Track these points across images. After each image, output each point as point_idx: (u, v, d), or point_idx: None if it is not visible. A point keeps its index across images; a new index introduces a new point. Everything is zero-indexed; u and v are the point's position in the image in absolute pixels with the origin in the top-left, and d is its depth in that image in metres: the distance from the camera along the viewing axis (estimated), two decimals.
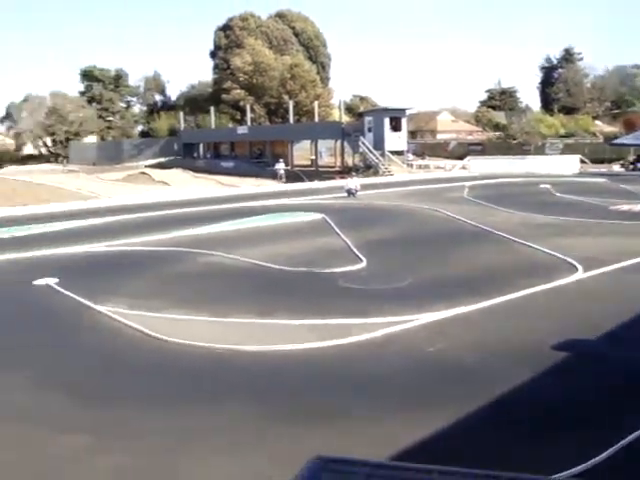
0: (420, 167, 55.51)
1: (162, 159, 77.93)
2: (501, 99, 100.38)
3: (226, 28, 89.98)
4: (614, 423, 6.55)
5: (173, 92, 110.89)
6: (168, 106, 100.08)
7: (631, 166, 46.45)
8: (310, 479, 1.49)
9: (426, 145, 71.97)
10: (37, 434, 6.71)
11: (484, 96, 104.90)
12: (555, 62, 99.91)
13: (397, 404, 7.19)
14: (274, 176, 52.15)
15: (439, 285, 12.69)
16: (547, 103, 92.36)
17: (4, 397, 7.71)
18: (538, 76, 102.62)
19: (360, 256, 15.40)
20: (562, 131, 65.10)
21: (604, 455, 5.74)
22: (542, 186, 32.77)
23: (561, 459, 5.72)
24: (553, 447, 6.08)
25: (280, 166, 52.31)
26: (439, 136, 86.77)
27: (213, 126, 75.79)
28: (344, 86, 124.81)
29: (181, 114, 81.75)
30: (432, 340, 9.34)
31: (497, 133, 72.11)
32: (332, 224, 20.61)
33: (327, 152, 65.02)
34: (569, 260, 14.21)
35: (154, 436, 6.59)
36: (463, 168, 48.61)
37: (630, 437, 6.08)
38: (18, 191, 46.50)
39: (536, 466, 5.62)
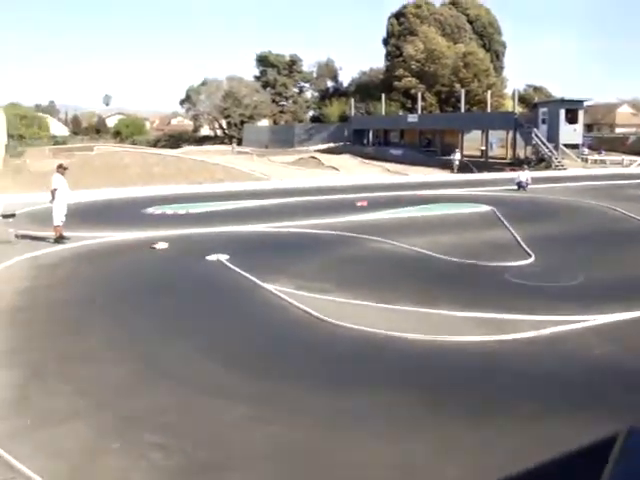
0: (595, 162, 53.33)
1: (332, 144, 79.04)
2: None
3: (399, 15, 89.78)
4: None
5: (345, 78, 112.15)
6: (340, 92, 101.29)
7: None
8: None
9: (603, 139, 68.94)
10: (200, 400, 7.14)
11: None
12: None
13: (556, 406, 7.03)
14: (450, 166, 51.56)
15: (613, 286, 12.21)
16: None
17: (178, 362, 8.22)
18: None
19: (529, 251, 15.07)
20: None
21: None
22: None
23: None
24: None
25: (456, 156, 51.66)
26: (617, 130, 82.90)
27: (383, 113, 76.03)
28: (518, 75, 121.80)
29: (352, 100, 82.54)
30: (600, 342, 9.05)
31: None
32: (501, 217, 20.27)
33: (498, 143, 63.74)
34: None
35: (312, 414, 6.82)
36: None
37: None
38: (194, 170, 48.69)
39: None
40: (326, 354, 8.74)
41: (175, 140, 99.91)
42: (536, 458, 5.76)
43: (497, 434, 6.35)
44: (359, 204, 22.76)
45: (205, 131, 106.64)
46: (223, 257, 14.13)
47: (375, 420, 6.66)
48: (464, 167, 51.90)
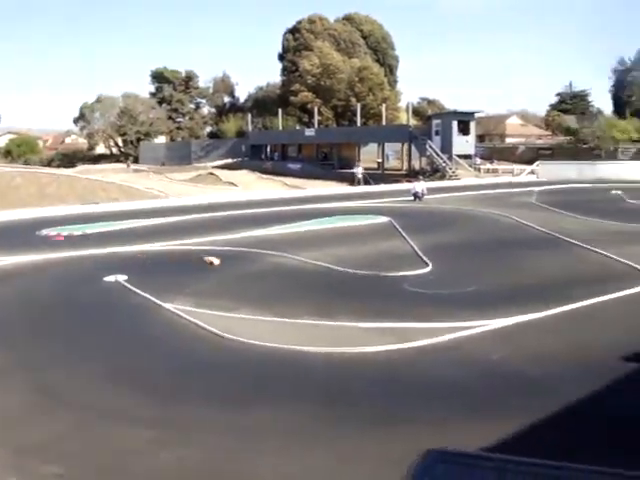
0: (488, 171, 54.81)
1: (230, 160, 78.77)
2: (572, 103, 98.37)
3: (294, 31, 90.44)
4: None
5: (242, 94, 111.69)
6: (236, 108, 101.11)
7: None
8: (426, 469, 1.50)
9: (494, 149, 71.02)
10: (102, 426, 6.90)
11: (554, 100, 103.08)
12: (629, 64, 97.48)
13: (457, 411, 7.13)
14: (349, 179, 51.84)
15: (506, 292, 12.52)
16: (620, 107, 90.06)
17: (75, 387, 7.93)
18: (611, 79, 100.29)
19: (426, 260, 15.31)
20: (635, 136, 63.47)
21: None
22: (614, 192, 32.04)
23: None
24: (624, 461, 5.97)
25: (359, 170, 51.95)
26: (508, 140, 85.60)
27: (280, 128, 76.27)
28: (412, 89, 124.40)
29: (249, 116, 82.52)
30: (497, 347, 9.24)
31: (567, 138, 70.71)
32: (398, 227, 20.54)
33: (394, 155, 64.80)
34: None
35: (216, 433, 6.71)
36: (532, 173, 47.83)
37: None
38: (90, 189, 47.54)
39: None
40: (228, 372, 8.60)
41: (70, 159, 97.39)
42: None
43: (400, 443, 6.36)
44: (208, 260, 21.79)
45: (101, 149, 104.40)
46: (121, 278, 13.78)
47: (279, 436, 6.61)
48: (363, 180, 52.51)
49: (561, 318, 10.59)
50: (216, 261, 15.36)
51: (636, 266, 14.15)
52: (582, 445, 6.31)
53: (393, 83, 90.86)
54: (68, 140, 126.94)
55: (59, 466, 5.99)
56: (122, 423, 6.94)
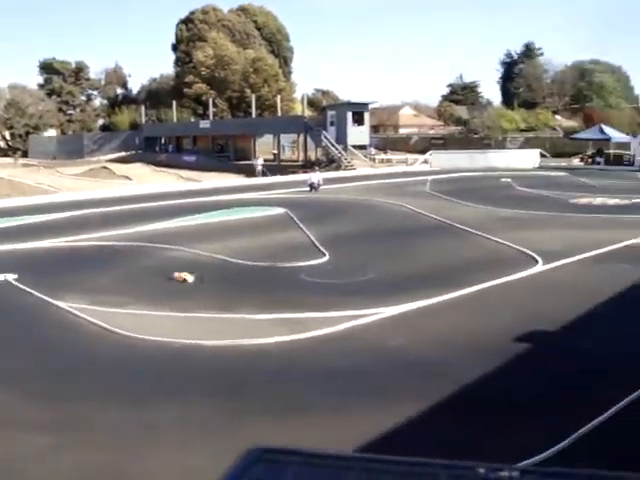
0: (382, 161, 55.57)
1: (123, 153, 77.14)
2: (463, 94, 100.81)
3: (188, 21, 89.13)
4: (573, 410, 6.64)
5: (134, 86, 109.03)
6: (129, 100, 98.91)
7: (590, 160, 47.02)
8: (244, 469, 1.45)
9: (388, 139, 72.10)
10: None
11: (446, 91, 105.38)
12: (516, 57, 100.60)
13: (359, 398, 7.20)
14: (248, 171, 51.35)
15: (402, 279, 12.73)
16: (508, 98, 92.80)
17: None
18: (499, 71, 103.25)
19: (323, 250, 15.39)
20: (523, 125, 65.58)
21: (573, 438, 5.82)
22: (503, 180, 33.04)
23: (525, 447, 5.79)
24: (517, 435, 6.15)
25: (259, 162, 51.51)
26: (401, 130, 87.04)
27: (175, 120, 75.21)
28: (307, 80, 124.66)
29: (142, 108, 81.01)
30: (394, 334, 9.39)
31: (459, 128, 72.48)
32: (295, 218, 20.57)
33: (290, 146, 64.87)
34: (529, 253, 14.37)
35: (116, 431, 6.56)
36: (425, 162, 48.75)
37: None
38: None
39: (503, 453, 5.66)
40: (126, 369, 8.42)
41: None
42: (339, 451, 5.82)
43: (304, 431, 6.37)
44: None
45: None
46: (11, 277, 13.25)
47: (181, 431, 6.51)
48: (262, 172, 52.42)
49: (455, 303, 10.85)
50: (189, 278, 12.99)
51: (526, 251, 14.62)
52: (471, 428, 6.48)
53: (288, 74, 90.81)
54: None
55: None
56: (11, 429, 6.67)
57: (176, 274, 13.00)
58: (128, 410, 7.05)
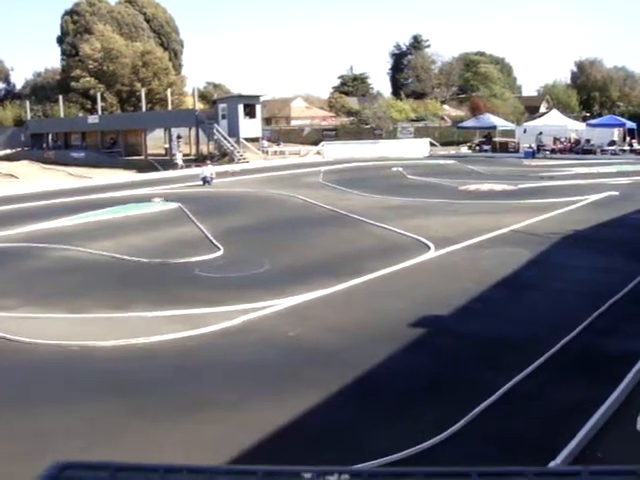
0: (275, 153, 55.62)
1: (8, 151, 74.48)
2: (353, 85, 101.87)
3: (73, 13, 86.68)
4: (469, 395, 6.80)
5: (18, 80, 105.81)
6: (13, 95, 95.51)
7: (477, 148, 48.38)
8: None
9: (281, 131, 72.15)
10: None
11: (337, 82, 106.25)
12: (404, 49, 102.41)
13: (260, 389, 7.19)
14: (174, 166, 49.74)
15: (297, 270, 12.77)
16: (397, 88, 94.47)
17: None
18: (388, 62, 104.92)
19: (217, 244, 15.27)
20: (412, 115, 66.81)
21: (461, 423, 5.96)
22: (394, 169, 33.58)
23: (420, 429, 5.90)
24: (412, 419, 6.26)
25: (178, 156, 50.08)
26: (293, 122, 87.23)
27: (62, 115, 73.13)
28: (197, 73, 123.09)
29: (27, 103, 78.41)
30: (292, 324, 9.40)
31: (350, 118, 73.21)
32: (188, 213, 20.33)
33: (182, 140, 64.11)
34: (421, 239, 14.68)
35: (5, 441, 6.29)
36: (318, 154, 49.10)
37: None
38: None
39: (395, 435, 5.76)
40: (12, 377, 8.08)
41: None
42: (244, 441, 5.84)
43: (202, 427, 6.32)
44: None
45: None
46: None
47: (79, 436, 6.29)
48: (149, 166, 51.49)
49: (352, 292, 10.98)
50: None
51: (418, 237, 14.91)
52: (370, 415, 6.56)
53: (178, 67, 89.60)
54: None
55: None
56: None
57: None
58: (18, 417, 6.78)
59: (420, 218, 17.93)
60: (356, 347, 8.36)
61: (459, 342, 8.54)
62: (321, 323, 9.51)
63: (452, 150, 49.40)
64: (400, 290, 11.16)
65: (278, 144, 60.05)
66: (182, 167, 47.33)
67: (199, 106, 60.80)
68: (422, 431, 5.91)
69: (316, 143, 54.58)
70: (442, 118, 68.53)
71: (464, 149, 50.20)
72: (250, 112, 52.76)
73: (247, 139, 52.91)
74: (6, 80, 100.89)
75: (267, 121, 74.98)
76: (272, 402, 6.82)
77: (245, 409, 6.73)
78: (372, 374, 7.43)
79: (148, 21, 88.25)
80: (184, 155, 52.97)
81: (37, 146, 72.99)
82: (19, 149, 73.68)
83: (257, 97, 54.56)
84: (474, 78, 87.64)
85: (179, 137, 61.92)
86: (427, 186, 26.36)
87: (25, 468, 5.73)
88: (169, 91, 64.40)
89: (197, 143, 56.01)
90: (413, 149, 46.07)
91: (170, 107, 63.78)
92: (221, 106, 54.48)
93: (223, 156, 49.53)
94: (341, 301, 10.59)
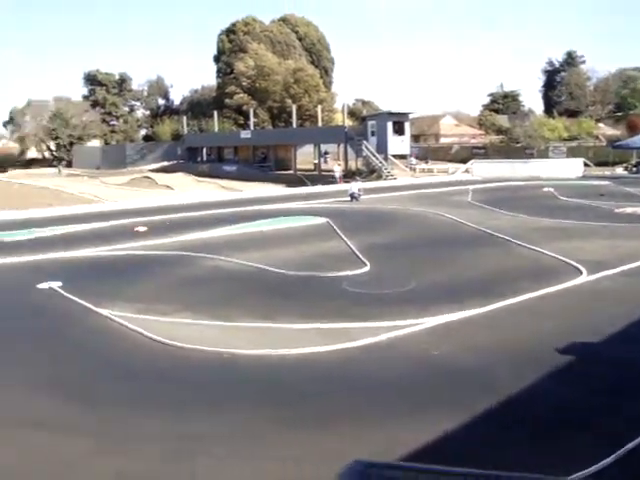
0: (423, 171, 55.50)
1: (165, 163, 78.03)
2: (504, 102, 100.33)
3: (229, 32, 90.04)
4: (614, 426, 6.56)
5: (176, 96, 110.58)
6: (171, 110, 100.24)
7: (634, 169, 46.42)
8: None
9: (429, 149, 72.00)
10: (38, 436, 6.74)
11: (487, 100, 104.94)
12: (557, 65, 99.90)
13: (403, 407, 7.19)
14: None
15: (444, 289, 12.68)
16: (549, 106, 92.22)
17: (5, 397, 7.76)
18: (541, 79, 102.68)
19: (364, 260, 15.39)
20: (565, 134, 64.99)
21: (610, 458, 5.75)
22: (546, 189, 32.74)
23: (565, 461, 5.74)
24: (557, 448, 6.10)
25: (337, 169, 51.09)
26: (442, 140, 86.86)
27: (216, 130, 75.84)
28: (347, 90, 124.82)
29: (184, 118, 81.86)
30: (437, 343, 9.34)
31: (500, 137, 72.06)
32: (336, 228, 20.61)
33: (330, 156, 65.03)
34: (573, 263, 14.21)
35: (155, 441, 6.60)
36: (466, 172, 48.53)
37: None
38: (21, 195, 46.65)
39: (542, 468, 5.62)
40: (169, 378, 8.48)
41: (0, 163, 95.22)
42: (385, 459, 5.86)
43: (346, 441, 6.39)
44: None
45: (32, 154, 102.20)
46: (55, 284, 13.50)
47: (222, 442, 6.53)
48: (298, 181, 52.53)
49: (498, 313, 10.77)
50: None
51: (569, 261, 14.47)
52: (517, 441, 6.44)
53: (328, 84, 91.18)
54: None
55: None
56: (58, 433, 6.79)
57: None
58: (171, 419, 7.09)
59: (572, 241, 17.39)
60: (501, 370, 8.20)
61: (613, 372, 8.21)
62: (466, 343, 9.39)
63: (607, 171, 47.62)
64: (549, 314, 10.86)
65: (426, 161, 59.89)
66: (340, 181, 47.66)
67: (348, 123, 61.53)
68: (569, 463, 5.75)
69: (465, 161, 54.00)
70: (597, 137, 66.20)
71: (619, 170, 48.27)
72: (399, 129, 52.86)
73: (395, 156, 53.04)
74: (165, 97, 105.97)
75: (415, 138, 74.93)
76: (414, 421, 6.80)
77: (387, 426, 6.74)
78: (518, 399, 7.27)
79: (300, 39, 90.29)
80: (330, 171, 53.53)
81: (192, 159, 76.01)
82: (175, 162, 76.97)
83: (406, 114, 54.59)
84: (632, 95, 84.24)
85: (326, 153, 62.86)
86: (580, 208, 25.53)
87: (171, 469, 6.04)
88: (319, 107, 65.55)
89: (345, 159, 56.66)
90: (565, 169, 44.70)
91: (320, 123, 64.87)
92: (370, 123, 54.86)
93: (371, 173, 49.86)
94: (487, 322, 10.41)
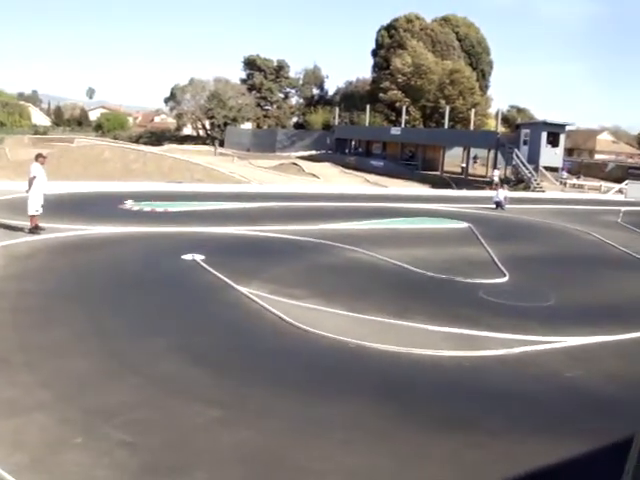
0: (574, 186, 53.80)
1: (314, 152, 79.07)
2: None
3: (390, 28, 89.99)
4: None
5: (331, 87, 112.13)
6: (325, 100, 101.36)
7: None
8: None
9: (582, 164, 69.65)
10: (171, 400, 7.08)
11: None
12: None
13: (524, 424, 7.07)
14: (490, 183, 49.65)
15: (583, 309, 12.31)
16: None
17: (149, 358, 8.18)
18: None
19: (503, 270, 15.15)
20: None
21: None
22: None
23: None
24: None
25: (495, 173, 50.09)
26: (597, 156, 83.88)
27: (367, 124, 76.20)
28: (503, 96, 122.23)
29: (337, 109, 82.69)
30: (570, 365, 9.10)
31: None
32: (478, 234, 20.36)
33: (480, 161, 64.13)
34: None
35: (279, 419, 6.80)
36: (619, 192, 46.71)
37: None
38: (174, 168, 48.56)
39: None
40: (297, 360, 8.73)
41: (157, 137, 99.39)
42: (500, 473, 5.82)
43: (464, 448, 6.36)
44: None
45: (187, 130, 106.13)
46: (199, 257, 14.07)
47: (343, 429, 6.64)
48: (444, 183, 52.15)
49: (638, 342, 10.36)
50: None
51: None
52: None
53: (484, 88, 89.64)
54: (157, 119, 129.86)
55: (126, 433, 6.17)
56: (190, 399, 7.09)
57: None
58: (294, 400, 7.31)
59: None
60: (635, 401, 7.91)
61: None
62: (601, 369, 9.10)
63: None
64: None
65: (578, 177, 58.01)
66: (496, 186, 46.54)
67: (501, 129, 60.46)
68: None
69: (619, 181, 51.94)
70: None
71: None
72: (553, 141, 51.51)
73: (546, 168, 51.73)
74: (320, 86, 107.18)
75: (569, 152, 72.74)
76: (536, 439, 6.67)
77: (507, 440, 6.65)
78: None
79: (460, 40, 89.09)
80: (479, 176, 52.78)
81: (340, 150, 76.63)
82: (323, 152, 77.76)
83: (562, 126, 53.10)
84: None
85: (475, 157, 61.97)
86: None
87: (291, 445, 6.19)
88: (473, 111, 64.72)
89: (494, 166, 55.65)
90: None
91: (472, 127, 63.99)
92: (524, 131, 53.70)
93: (519, 182, 48.82)
94: (626, 351, 10.03)
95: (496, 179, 48.03)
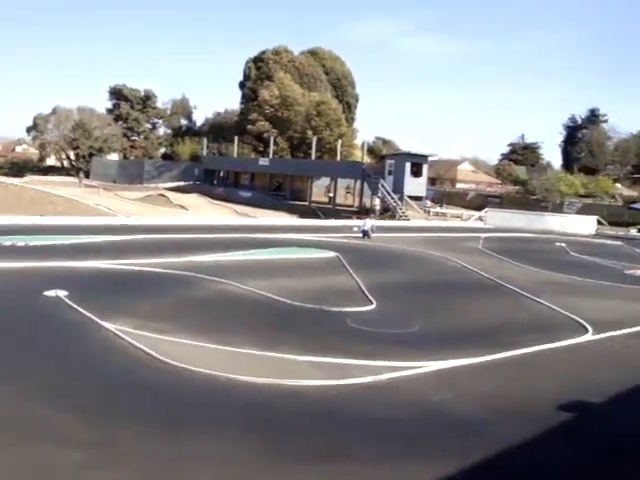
0: (437, 214, 55.60)
1: (181, 183, 78.45)
2: (523, 154, 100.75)
3: (257, 60, 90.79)
4: None
5: (199, 118, 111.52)
6: (192, 131, 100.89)
7: None
8: None
9: (445, 193, 72.19)
10: (30, 445, 6.72)
11: (506, 149, 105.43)
12: (580, 122, 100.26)
13: (395, 450, 7.15)
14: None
15: (447, 334, 12.65)
16: (568, 162, 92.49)
17: (6, 405, 7.75)
18: (562, 134, 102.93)
19: (370, 298, 15.38)
20: (582, 191, 65.04)
21: None
22: (558, 244, 32.73)
23: None
24: None
25: (376, 202, 50.77)
26: (458, 185, 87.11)
27: (235, 155, 76.27)
28: (368, 128, 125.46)
29: (205, 140, 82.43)
30: (436, 389, 9.31)
31: (516, 187, 72.27)
32: (345, 263, 20.61)
33: (350, 191, 65.31)
34: (579, 320, 14.14)
35: (145, 458, 6.61)
36: (480, 219, 48.59)
37: None
38: (37, 201, 46.95)
39: None
40: (165, 396, 8.50)
41: (19, 168, 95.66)
42: None
43: (336, 477, 6.37)
44: None
45: (51, 161, 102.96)
46: (62, 293, 13.54)
47: (213, 466, 6.50)
48: (311, 212, 52.74)
49: (499, 364, 10.72)
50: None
51: (575, 318, 14.41)
52: None
53: (350, 120, 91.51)
54: (19, 149, 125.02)
55: None
56: (50, 442, 6.78)
57: None
58: (162, 438, 7.11)
59: (580, 298, 17.33)
60: (499, 421, 8.13)
61: (610, 432, 8.16)
62: (465, 392, 9.35)
63: (620, 231, 47.55)
64: (551, 370, 10.79)
65: (441, 205, 60.04)
66: (378, 215, 46.99)
67: (367, 160, 61.88)
68: None
69: (479, 208, 54.11)
70: (613, 197, 66.25)
71: (633, 231, 48.19)
72: (416, 171, 53.23)
73: (411, 197, 53.26)
74: (188, 117, 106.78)
75: (432, 181, 75.19)
76: (406, 463, 6.78)
77: (379, 466, 6.71)
78: (513, 451, 7.23)
79: (327, 73, 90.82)
80: (346, 206, 53.76)
81: (208, 181, 76.42)
82: (191, 183, 77.34)
83: (425, 157, 54.93)
84: None
85: (348, 187, 63.04)
86: (591, 266, 25.48)
87: None
88: (339, 142, 65.91)
89: (361, 195, 56.86)
90: (579, 226, 44.69)
91: (339, 158, 65.18)
92: (389, 162, 55.23)
93: (385, 211, 49.96)
94: (489, 372, 10.36)
95: (377, 207, 49.01)
